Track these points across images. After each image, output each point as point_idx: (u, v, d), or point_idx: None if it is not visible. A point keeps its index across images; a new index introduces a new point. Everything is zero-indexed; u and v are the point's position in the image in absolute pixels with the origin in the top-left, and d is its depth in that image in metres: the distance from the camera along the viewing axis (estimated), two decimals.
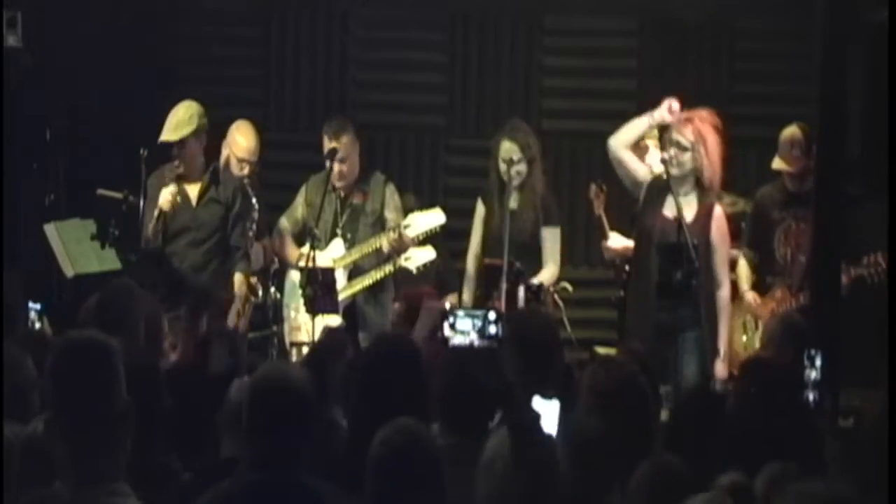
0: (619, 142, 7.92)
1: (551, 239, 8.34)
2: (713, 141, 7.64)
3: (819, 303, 6.58)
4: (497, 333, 4.25)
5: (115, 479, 3.53)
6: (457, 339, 4.57)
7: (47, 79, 9.64)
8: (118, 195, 8.45)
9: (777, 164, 8.21)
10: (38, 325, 6.84)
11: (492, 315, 4.26)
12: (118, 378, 3.55)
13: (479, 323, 4.44)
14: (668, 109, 7.75)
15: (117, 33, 9.91)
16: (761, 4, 9.95)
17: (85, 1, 9.81)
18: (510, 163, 8.19)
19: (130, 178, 8.77)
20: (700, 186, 7.66)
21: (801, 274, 8.06)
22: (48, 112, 9.68)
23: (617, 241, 8.40)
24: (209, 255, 8.38)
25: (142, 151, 8.25)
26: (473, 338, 4.25)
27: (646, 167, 7.98)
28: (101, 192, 8.68)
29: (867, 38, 6.83)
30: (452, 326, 4.28)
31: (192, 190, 8.43)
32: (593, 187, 8.66)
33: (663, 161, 7.71)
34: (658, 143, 8.13)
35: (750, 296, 8.16)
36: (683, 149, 7.62)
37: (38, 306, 6.92)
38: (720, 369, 7.57)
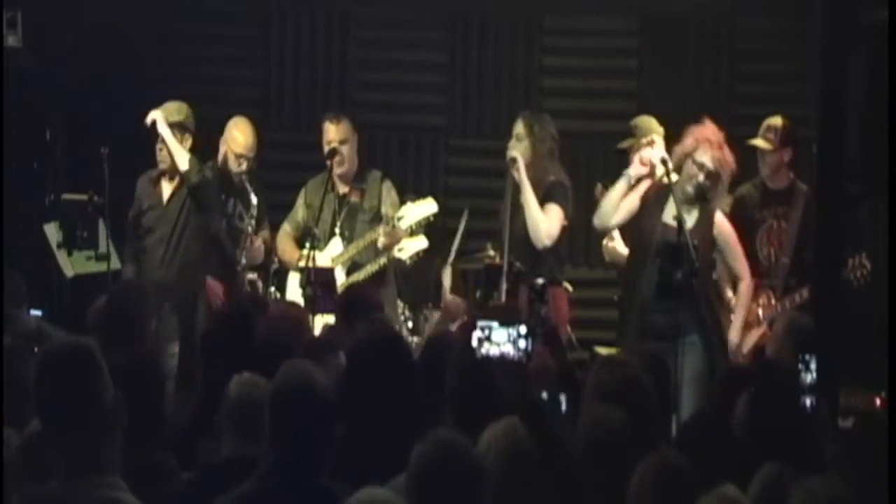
0: (604, 218, 7.82)
1: (546, 213, 8.08)
2: (733, 165, 7.63)
3: (819, 303, 6.58)
4: (527, 347, 4.28)
5: (110, 473, 3.58)
6: (492, 350, 4.59)
7: (47, 79, 9.64)
8: (83, 197, 8.53)
9: (752, 141, 8.25)
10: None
11: (522, 329, 4.30)
12: (102, 376, 3.61)
13: (513, 334, 4.47)
14: (640, 163, 7.71)
15: (117, 33, 9.91)
16: (761, 5, 9.95)
17: (85, 1, 9.81)
18: (510, 166, 8.15)
19: (130, 177, 8.81)
20: (667, 176, 7.62)
21: (784, 276, 8.06)
22: (48, 112, 9.67)
23: (620, 245, 8.32)
24: (174, 252, 8.53)
25: (102, 150, 8.39)
26: (508, 349, 4.28)
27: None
28: (66, 196, 8.75)
29: (867, 38, 6.82)
30: (488, 338, 4.30)
31: (167, 189, 8.66)
32: (599, 186, 8.65)
33: (665, 161, 7.69)
34: (660, 139, 8.13)
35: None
36: (706, 172, 7.58)
37: (38, 313, 6.93)
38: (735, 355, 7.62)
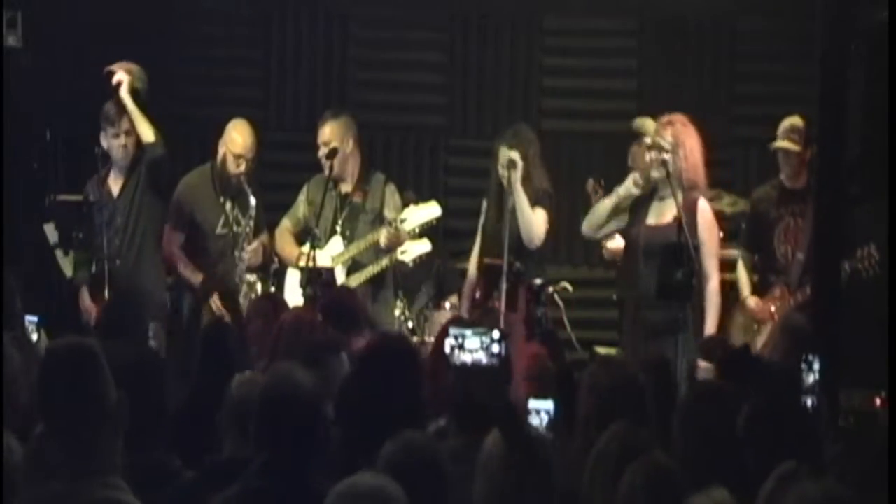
0: (592, 227, 8.03)
1: (536, 214, 8.18)
2: (692, 142, 7.70)
3: (819, 302, 6.59)
4: (500, 352, 4.27)
5: (110, 474, 3.58)
6: (464, 357, 4.59)
7: (47, 79, 9.64)
8: (78, 198, 8.56)
9: (778, 143, 8.23)
10: (35, 337, 6.84)
11: (496, 334, 4.28)
12: (104, 377, 3.61)
13: (486, 341, 4.46)
14: (633, 183, 7.79)
15: (117, 33, 9.90)
16: (762, 5, 9.95)
17: (85, 1, 9.81)
18: (508, 167, 8.17)
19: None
20: (682, 187, 7.68)
21: (799, 272, 8.07)
22: (48, 112, 9.67)
23: (616, 240, 8.39)
24: (131, 240, 8.60)
25: (97, 150, 8.43)
26: (481, 356, 4.28)
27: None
28: (60, 197, 8.77)
29: (867, 38, 6.82)
30: (461, 346, 4.29)
31: (116, 184, 8.72)
32: (591, 182, 8.68)
33: (665, 163, 7.74)
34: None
35: (752, 301, 8.16)
36: (663, 150, 7.67)
37: (35, 318, 6.91)
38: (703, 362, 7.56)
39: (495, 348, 4.19)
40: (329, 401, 5.53)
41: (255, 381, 4.88)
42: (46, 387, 3.62)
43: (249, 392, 4.80)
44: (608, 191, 8.45)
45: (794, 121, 8.19)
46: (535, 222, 8.11)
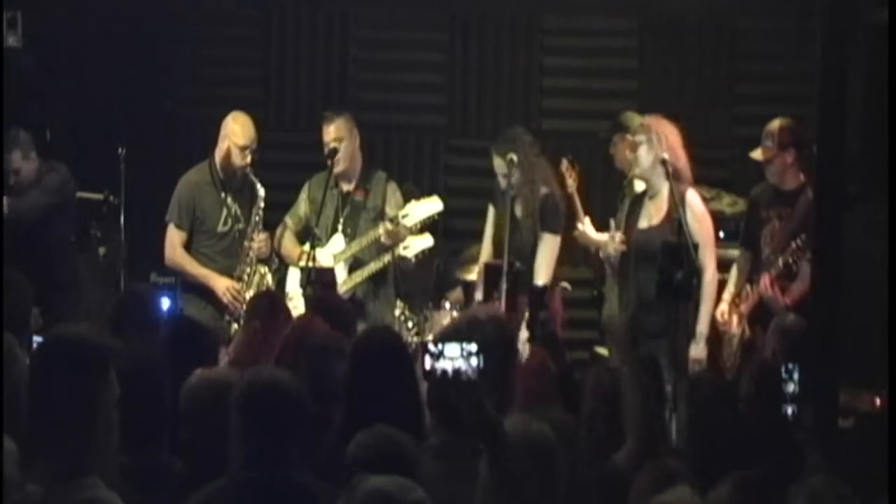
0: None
1: (543, 246, 8.16)
2: (673, 137, 7.70)
3: (818, 303, 6.58)
4: (479, 364, 4.31)
5: (87, 474, 3.48)
6: (444, 366, 4.62)
7: (47, 79, 9.64)
8: (98, 196, 8.53)
9: (753, 154, 8.17)
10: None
11: (473, 347, 4.32)
12: (104, 374, 3.51)
13: (467, 350, 4.49)
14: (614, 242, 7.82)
15: (117, 33, 9.91)
16: (761, 4, 9.96)
17: (85, 1, 9.82)
18: (502, 175, 8.16)
19: (131, 177, 8.80)
20: (668, 178, 7.63)
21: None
22: (48, 112, 9.68)
23: (591, 230, 8.33)
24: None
25: (120, 150, 8.38)
26: (460, 364, 4.32)
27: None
28: (80, 194, 8.75)
29: (867, 39, 6.82)
30: (441, 354, 4.32)
31: None
32: (564, 162, 8.66)
33: (664, 162, 7.73)
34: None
35: (723, 308, 8.03)
36: (640, 143, 7.69)
37: (40, 339, 6.92)
38: (695, 351, 7.55)
39: (474, 361, 4.23)
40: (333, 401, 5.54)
41: (207, 388, 4.86)
42: (45, 374, 3.48)
43: (199, 406, 4.79)
44: (581, 175, 8.54)
45: (771, 126, 8.03)
46: (546, 271, 8.12)
